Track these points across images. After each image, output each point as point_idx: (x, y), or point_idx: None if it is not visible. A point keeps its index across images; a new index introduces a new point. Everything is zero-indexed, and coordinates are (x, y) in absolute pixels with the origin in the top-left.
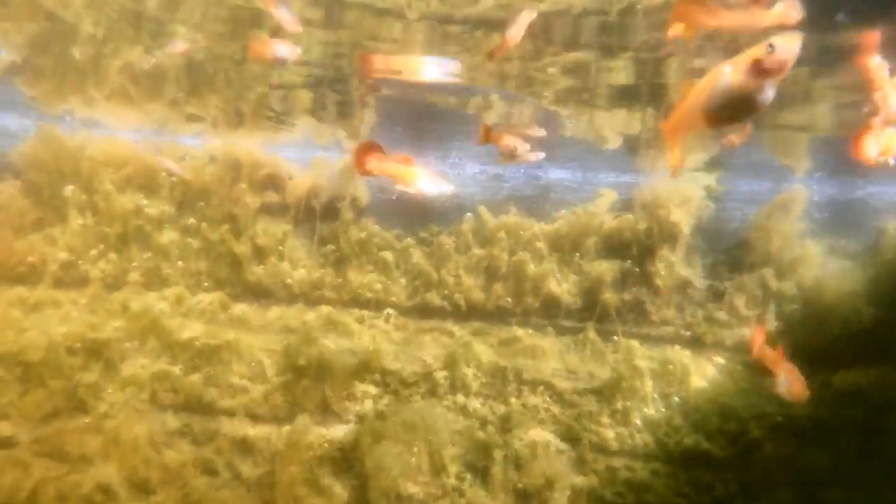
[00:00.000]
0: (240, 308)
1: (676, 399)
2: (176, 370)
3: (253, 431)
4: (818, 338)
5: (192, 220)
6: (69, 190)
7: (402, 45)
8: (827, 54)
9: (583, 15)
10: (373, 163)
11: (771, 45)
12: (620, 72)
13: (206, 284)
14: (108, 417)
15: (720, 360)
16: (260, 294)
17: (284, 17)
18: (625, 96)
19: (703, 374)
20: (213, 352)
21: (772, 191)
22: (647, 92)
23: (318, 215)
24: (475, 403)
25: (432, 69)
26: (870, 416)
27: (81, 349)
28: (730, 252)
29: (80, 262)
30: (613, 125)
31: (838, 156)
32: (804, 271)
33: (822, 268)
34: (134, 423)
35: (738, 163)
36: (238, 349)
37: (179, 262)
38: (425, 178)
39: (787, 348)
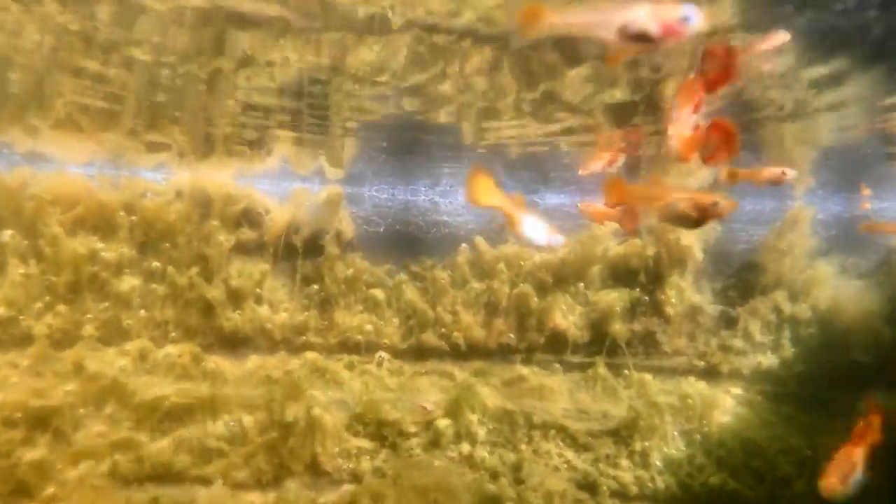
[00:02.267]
0: (214, 360)
1: (698, 436)
2: (141, 437)
3: (233, 500)
4: (838, 361)
5: (156, 264)
6: (7, 235)
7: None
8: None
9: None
10: (487, 194)
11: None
12: (616, 90)
13: (173, 335)
14: (57, 500)
15: (737, 390)
16: (237, 343)
17: None
18: (620, 116)
19: (723, 406)
20: (183, 412)
21: (776, 209)
22: (644, 111)
23: (299, 252)
24: (483, 453)
25: None
26: None
27: (23, 420)
28: (740, 275)
29: (21, 317)
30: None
31: (840, 172)
32: (818, 293)
33: (836, 288)
34: None
35: (739, 188)
36: (213, 407)
37: (142, 312)
38: (535, 226)
39: (806, 375)
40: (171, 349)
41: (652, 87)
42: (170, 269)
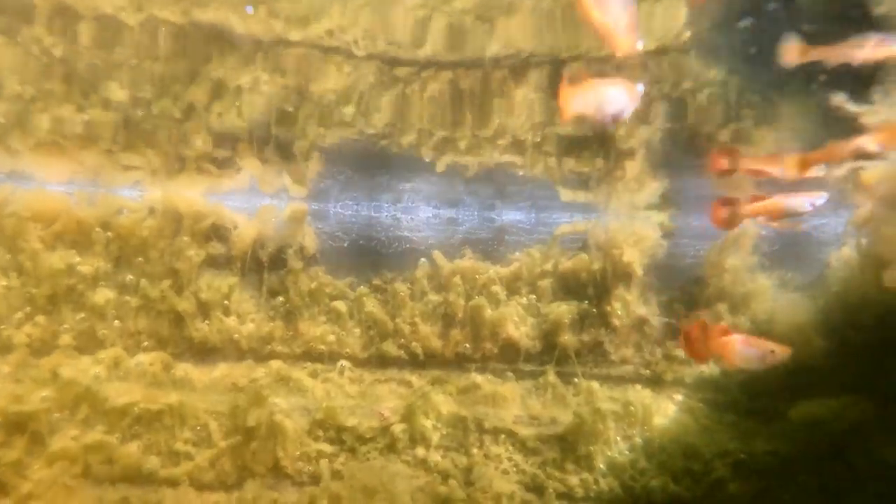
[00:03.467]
0: (183, 368)
1: (640, 441)
2: (112, 439)
3: (199, 501)
4: (773, 371)
5: (129, 277)
6: None
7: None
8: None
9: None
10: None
11: None
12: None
13: (146, 344)
14: (33, 498)
15: (680, 397)
16: (205, 352)
17: None
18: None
19: (665, 413)
20: (153, 417)
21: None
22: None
23: (265, 266)
24: (436, 457)
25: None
26: (829, 449)
27: (2, 424)
28: (685, 289)
29: (2, 327)
30: (566, 164)
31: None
32: (756, 306)
33: (774, 301)
34: (64, 502)
35: (688, 198)
36: (181, 412)
37: (116, 322)
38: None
39: (744, 383)
40: (143, 357)
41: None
42: (143, 281)
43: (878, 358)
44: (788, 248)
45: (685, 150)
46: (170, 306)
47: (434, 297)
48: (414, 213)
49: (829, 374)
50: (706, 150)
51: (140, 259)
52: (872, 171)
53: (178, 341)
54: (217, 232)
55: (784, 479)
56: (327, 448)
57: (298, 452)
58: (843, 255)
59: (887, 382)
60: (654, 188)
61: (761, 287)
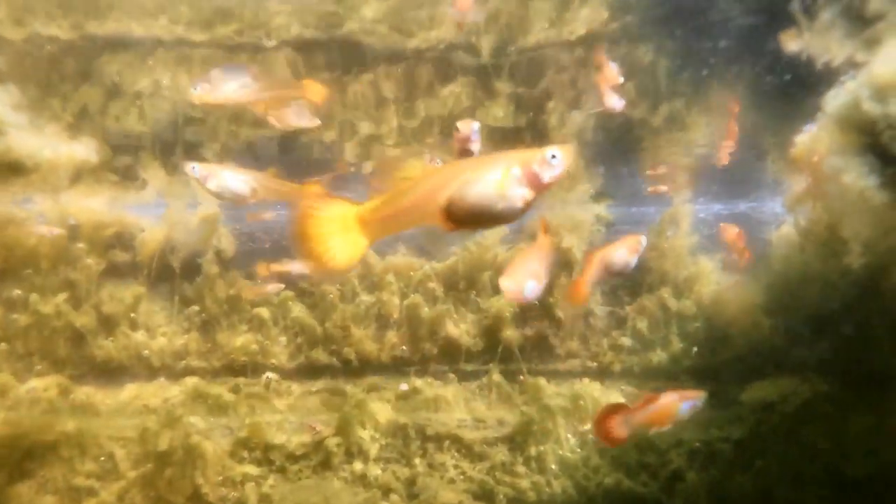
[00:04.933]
0: (85, 391)
1: (591, 437)
2: (0, 479)
3: None
4: (723, 354)
5: (17, 292)
6: None
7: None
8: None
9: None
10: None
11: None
12: (499, 110)
13: (38, 368)
14: None
15: (630, 388)
16: (110, 372)
17: None
18: (507, 136)
19: None
20: (47, 450)
21: (658, 212)
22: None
23: (176, 273)
24: (376, 470)
25: None
26: (783, 430)
27: None
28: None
29: None
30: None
31: (720, 181)
32: (700, 288)
33: (718, 283)
34: None
35: (623, 193)
36: (81, 442)
37: (2, 345)
38: None
39: (693, 369)
40: (35, 383)
41: (535, 110)
42: (33, 296)
43: (823, 333)
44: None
45: (618, 138)
46: (66, 323)
47: (366, 298)
48: None
49: (777, 354)
50: (640, 138)
51: (29, 271)
52: (800, 147)
53: (77, 362)
54: (120, 239)
55: (742, 464)
56: (253, 470)
57: (221, 477)
58: (783, 234)
59: (834, 357)
60: (588, 181)
61: (704, 269)
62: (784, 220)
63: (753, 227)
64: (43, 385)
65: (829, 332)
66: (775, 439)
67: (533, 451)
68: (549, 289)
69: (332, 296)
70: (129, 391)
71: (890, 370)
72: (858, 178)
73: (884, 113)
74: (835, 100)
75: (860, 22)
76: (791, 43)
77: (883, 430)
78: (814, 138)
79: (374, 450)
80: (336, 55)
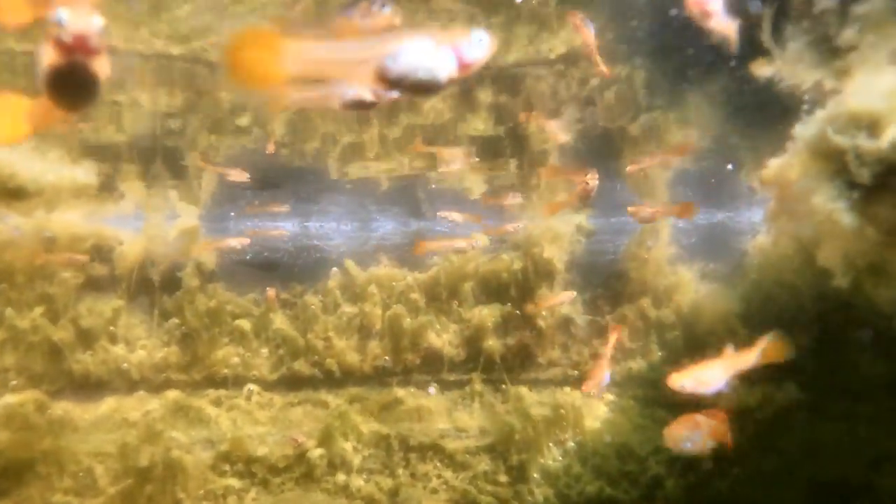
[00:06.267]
0: (62, 407)
1: (573, 445)
2: None
3: None
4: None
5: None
6: None
7: None
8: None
9: None
10: None
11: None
12: (479, 122)
13: (14, 383)
14: None
15: (611, 397)
16: (88, 387)
17: None
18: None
19: (596, 414)
20: (24, 467)
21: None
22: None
23: (156, 286)
24: (359, 481)
25: None
26: (760, 437)
27: None
28: (607, 285)
29: None
30: (477, 174)
31: (697, 189)
32: (679, 297)
33: (697, 292)
34: None
35: (604, 203)
36: (59, 459)
37: None
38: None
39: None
40: (11, 398)
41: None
42: (8, 311)
43: (796, 340)
44: (706, 240)
45: (598, 148)
46: (43, 337)
47: (349, 309)
48: (323, 221)
49: None
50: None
51: (3, 285)
52: (769, 169)
53: (54, 377)
54: (99, 252)
55: (719, 470)
56: (235, 483)
57: (202, 491)
58: (758, 244)
59: (808, 363)
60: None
61: (683, 279)
62: (759, 230)
63: (731, 236)
64: (18, 401)
65: (804, 341)
66: (751, 446)
67: (515, 459)
68: (530, 297)
69: (314, 307)
70: (109, 405)
71: (862, 378)
72: (828, 201)
73: (852, 144)
74: (805, 129)
75: (830, 52)
76: (763, 70)
77: (856, 436)
78: (784, 164)
79: (357, 461)
80: None
